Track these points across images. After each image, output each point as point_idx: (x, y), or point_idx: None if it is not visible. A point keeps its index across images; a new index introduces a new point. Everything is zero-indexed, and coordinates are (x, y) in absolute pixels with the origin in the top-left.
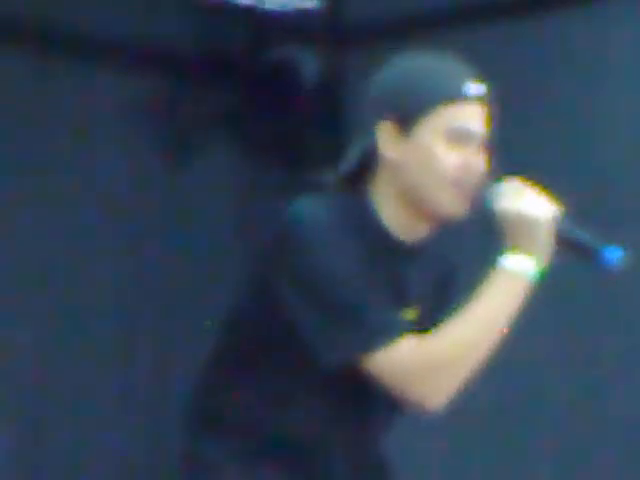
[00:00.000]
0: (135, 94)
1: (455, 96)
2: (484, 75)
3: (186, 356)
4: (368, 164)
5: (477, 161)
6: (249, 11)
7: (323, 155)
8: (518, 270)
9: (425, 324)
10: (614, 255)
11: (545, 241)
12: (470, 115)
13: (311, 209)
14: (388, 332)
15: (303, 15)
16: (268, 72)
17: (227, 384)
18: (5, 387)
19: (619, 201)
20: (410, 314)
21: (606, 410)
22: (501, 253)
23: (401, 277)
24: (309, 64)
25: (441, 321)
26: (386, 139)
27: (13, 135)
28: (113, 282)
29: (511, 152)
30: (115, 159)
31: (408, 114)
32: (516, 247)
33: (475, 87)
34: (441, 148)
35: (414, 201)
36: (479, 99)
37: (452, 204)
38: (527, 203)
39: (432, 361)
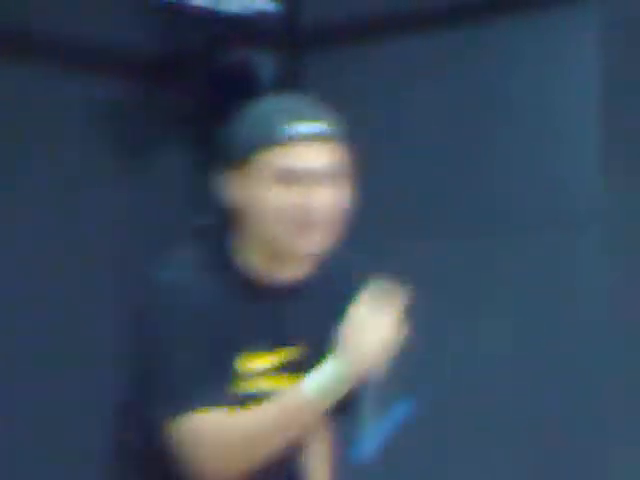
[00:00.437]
0: (88, 96)
1: (280, 139)
2: (438, 79)
3: None
4: (226, 213)
5: (316, 197)
6: (205, 13)
7: None
8: (332, 373)
9: (317, 358)
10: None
11: (369, 362)
12: (299, 154)
13: (169, 276)
14: (191, 403)
15: (260, 17)
16: (224, 75)
17: None
18: None
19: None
20: (291, 352)
21: None
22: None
23: (275, 318)
24: (266, 67)
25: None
26: (230, 187)
27: None
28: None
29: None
30: (70, 160)
31: (243, 156)
32: (336, 353)
33: (306, 127)
34: (273, 191)
35: (266, 244)
36: (311, 138)
37: (297, 243)
38: (366, 317)
39: (218, 442)
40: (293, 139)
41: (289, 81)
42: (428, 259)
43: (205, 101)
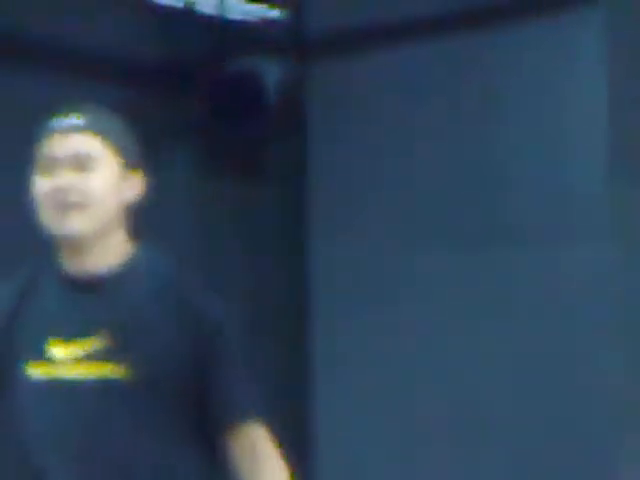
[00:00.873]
0: (97, 103)
1: (43, 134)
2: (444, 87)
3: None
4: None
5: (65, 180)
6: (212, 20)
7: (284, 165)
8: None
9: (126, 347)
10: None
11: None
12: (53, 144)
13: None
14: None
15: (266, 25)
16: (230, 82)
17: None
18: None
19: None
20: (94, 341)
21: None
22: None
23: (77, 309)
24: (272, 74)
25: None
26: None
27: None
28: None
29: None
30: None
31: (31, 166)
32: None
33: (59, 122)
34: (37, 179)
35: (52, 236)
36: (63, 130)
37: (58, 225)
38: None
39: None
40: (50, 132)
41: (294, 87)
42: (440, 272)
43: (211, 107)
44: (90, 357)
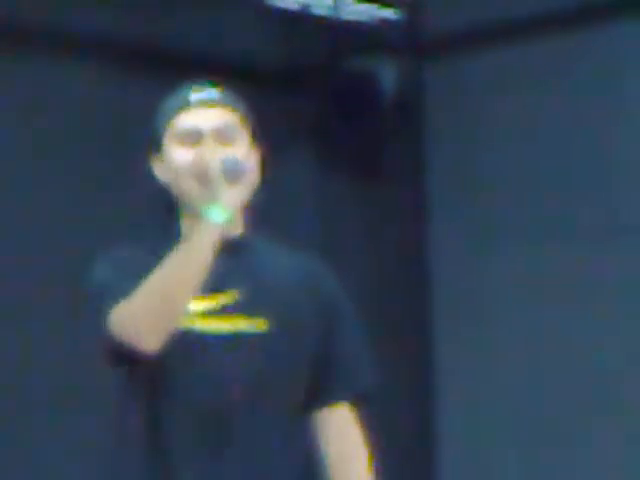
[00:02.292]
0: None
1: (179, 106)
2: (556, 84)
3: None
4: (169, 198)
5: (212, 151)
6: (328, 22)
7: (402, 168)
8: (208, 217)
9: (252, 305)
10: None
11: (222, 185)
12: (194, 117)
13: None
14: (113, 298)
15: (382, 26)
16: (347, 84)
17: None
18: None
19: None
20: (225, 297)
21: None
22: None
23: (214, 267)
24: (388, 75)
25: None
26: (157, 170)
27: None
28: None
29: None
30: None
31: (156, 139)
32: (205, 196)
33: (199, 94)
34: (175, 151)
35: (187, 208)
36: (204, 102)
37: (202, 198)
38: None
39: (131, 306)
40: (189, 105)
41: (410, 87)
42: (535, 262)
43: (328, 110)
44: (226, 311)
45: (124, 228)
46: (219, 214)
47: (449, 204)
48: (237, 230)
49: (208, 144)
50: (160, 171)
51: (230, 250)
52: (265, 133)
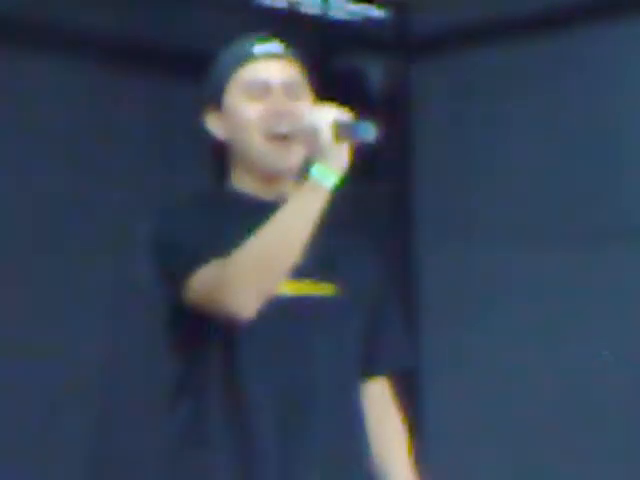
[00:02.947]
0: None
1: (244, 58)
2: (549, 85)
3: None
4: (222, 155)
5: (283, 106)
6: (316, 20)
7: (390, 165)
8: (315, 178)
9: (330, 267)
10: (368, 130)
11: (330, 145)
12: (262, 69)
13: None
14: (201, 256)
15: (370, 24)
16: (334, 82)
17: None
18: None
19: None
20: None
21: None
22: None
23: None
24: (376, 74)
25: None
26: (213, 125)
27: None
28: None
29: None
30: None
31: (215, 93)
32: (313, 159)
33: (264, 46)
34: (242, 104)
35: (249, 164)
36: (271, 55)
37: (273, 155)
38: (312, 117)
39: (232, 268)
40: (255, 57)
41: (399, 87)
42: (556, 271)
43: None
44: (301, 274)
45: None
46: (329, 177)
47: (437, 203)
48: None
49: (277, 98)
50: (218, 126)
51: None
52: None
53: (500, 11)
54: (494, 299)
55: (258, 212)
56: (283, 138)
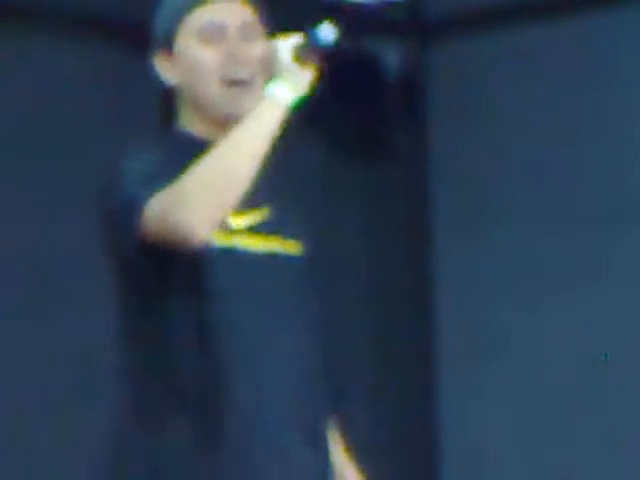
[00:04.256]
0: None
1: (196, 1)
2: (562, 67)
3: None
4: (171, 99)
5: (239, 49)
6: (331, 3)
7: (405, 149)
8: (272, 96)
9: (285, 225)
10: (328, 32)
11: (289, 65)
12: (217, 12)
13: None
14: (153, 186)
15: (386, 7)
16: (349, 64)
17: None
18: None
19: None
20: (261, 214)
21: None
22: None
23: None
24: (392, 57)
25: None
26: (163, 69)
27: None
28: None
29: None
30: None
31: (166, 36)
32: (272, 79)
33: None
34: (197, 49)
35: (204, 109)
36: None
37: (229, 101)
38: (272, 44)
39: (188, 184)
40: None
41: (413, 70)
42: (571, 253)
43: (330, 91)
44: (261, 229)
45: None
46: (287, 93)
47: (452, 186)
48: None
49: (233, 42)
50: (168, 71)
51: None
52: None
53: None
54: (510, 281)
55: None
56: (241, 83)
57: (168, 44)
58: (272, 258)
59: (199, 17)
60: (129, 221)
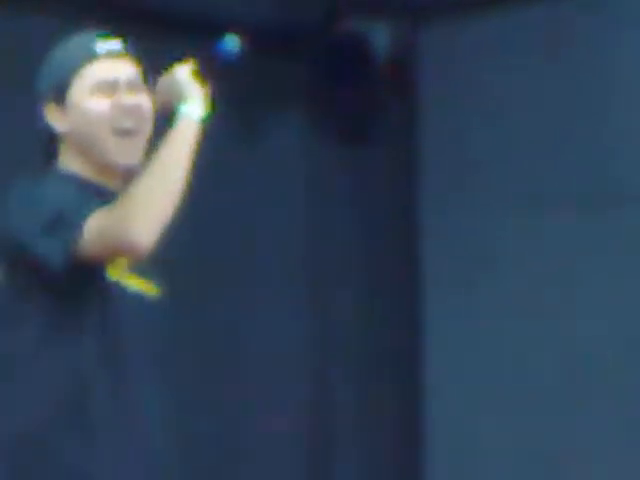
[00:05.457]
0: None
1: (88, 56)
2: (553, 51)
3: None
4: (53, 145)
5: (129, 100)
6: None
7: (394, 130)
8: (185, 115)
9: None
10: (231, 44)
11: (191, 85)
12: (106, 67)
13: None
14: (89, 212)
15: None
16: (339, 44)
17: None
18: None
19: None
20: None
21: None
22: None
23: None
24: (382, 38)
25: None
26: (52, 117)
27: None
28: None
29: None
30: None
31: (58, 87)
32: (178, 101)
33: (106, 44)
34: (91, 102)
35: (95, 160)
36: (113, 53)
37: (121, 151)
38: (170, 74)
39: (129, 208)
40: (101, 55)
41: (404, 51)
42: (563, 235)
43: (320, 70)
44: (132, 270)
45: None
46: (197, 110)
47: (440, 169)
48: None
49: (123, 94)
50: (58, 119)
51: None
52: (256, 93)
53: None
54: (494, 264)
55: (102, 195)
56: (130, 133)
57: (60, 95)
58: (136, 297)
59: (92, 72)
60: (61, 237)
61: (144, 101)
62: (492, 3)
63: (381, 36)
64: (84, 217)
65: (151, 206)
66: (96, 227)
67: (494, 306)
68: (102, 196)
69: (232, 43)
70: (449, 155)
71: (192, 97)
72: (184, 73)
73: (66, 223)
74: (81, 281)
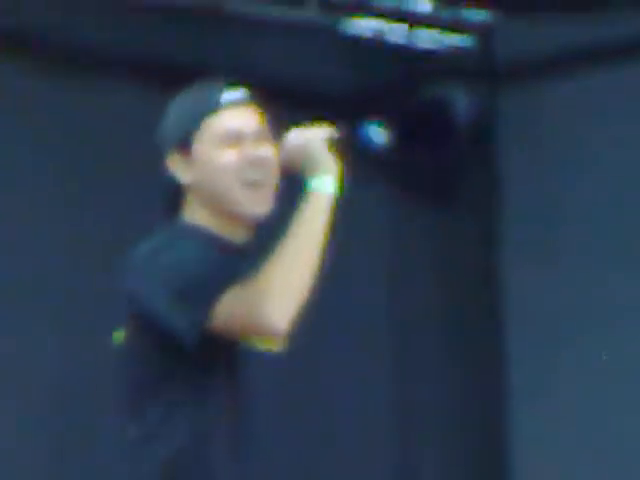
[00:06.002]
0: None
1: (214, 107)
2: (632, 113)
3: None
4: (178, 197)
5: (256, 152)
6: (402, 50)
7: (477, 194)
8: (318, 189)
9: None
10: (375, 132)
11: (326, 157)
12: (233, 118)
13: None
14: (223, 287)
15: (456, 53)
16: (420, 111)
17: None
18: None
19: None
20: None
21: None
22: (303, 185)
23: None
24: (462, 103)
25: None
26: (177, 169)
27: None
28: None
29: None
30: None
31: (183, 138)
32: (310, 172)
33: (232, 94)
34: (218, 153)
35: (222, 211)
36: (239, 103)
37: (249, 202)
38: (302, 136)
39: (266, 287)
40: (227, 105)
41: (485, 116)
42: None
43: (401, 137)
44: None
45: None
46: (331, 183)
47: (523, 232)
48: (250, 233)
49: (250, 145)
50: (183, 170)
51: (248, 254)
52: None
53: (586, 39)
54: (585, 324)
55: (227, 249)
56: (258, 184)
57: (186, 145)
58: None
59: (218, 122)
60: (194, 312)
61: (270, 152)
62: (569, 66)
63: (461, 100)
64: (217, 290)
65: (288, 287)
66: (230, 305)
67: (579, 358)
68: (227, 251)
69: (379, 132)
70: (531, 218)
71: (326, 170)
72: (319, 142)
73: (199, 296)
74: (210, 349)
